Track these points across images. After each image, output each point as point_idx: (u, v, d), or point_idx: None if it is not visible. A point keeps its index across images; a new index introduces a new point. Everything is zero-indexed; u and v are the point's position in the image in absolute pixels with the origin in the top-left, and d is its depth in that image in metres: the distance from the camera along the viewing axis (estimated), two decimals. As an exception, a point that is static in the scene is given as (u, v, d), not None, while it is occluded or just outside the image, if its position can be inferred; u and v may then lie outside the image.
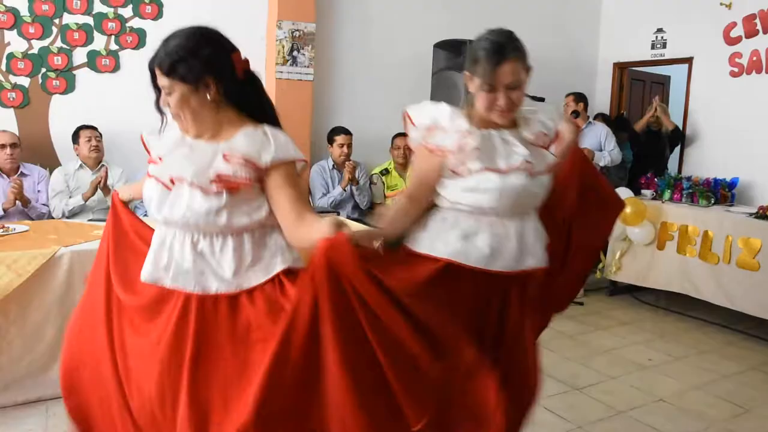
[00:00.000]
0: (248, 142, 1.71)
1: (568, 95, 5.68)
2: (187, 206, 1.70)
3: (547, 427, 3.01)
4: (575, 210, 2.20)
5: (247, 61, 1.80)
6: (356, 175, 4.97)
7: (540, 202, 1.99)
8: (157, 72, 1.73)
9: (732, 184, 5.17)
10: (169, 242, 1.77)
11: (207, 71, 1.70)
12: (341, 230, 1.60)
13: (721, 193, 5.11)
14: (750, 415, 3.32)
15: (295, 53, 5.04)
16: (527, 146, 1.93)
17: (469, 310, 1.91)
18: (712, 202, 5.01)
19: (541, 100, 5.84)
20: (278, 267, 1.76)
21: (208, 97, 1.72)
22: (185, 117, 1.75)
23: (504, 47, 1.87)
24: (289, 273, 1.77)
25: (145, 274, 1.80)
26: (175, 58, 1.70)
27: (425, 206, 1.96)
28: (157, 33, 4.70)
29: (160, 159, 1.82)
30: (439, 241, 1.89)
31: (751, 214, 4.54)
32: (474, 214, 1.89)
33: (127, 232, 2.04)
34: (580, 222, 2.22)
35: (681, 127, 5.91)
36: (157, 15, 4.77)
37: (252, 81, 1.83)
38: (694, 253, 4.67)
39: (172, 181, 1.74)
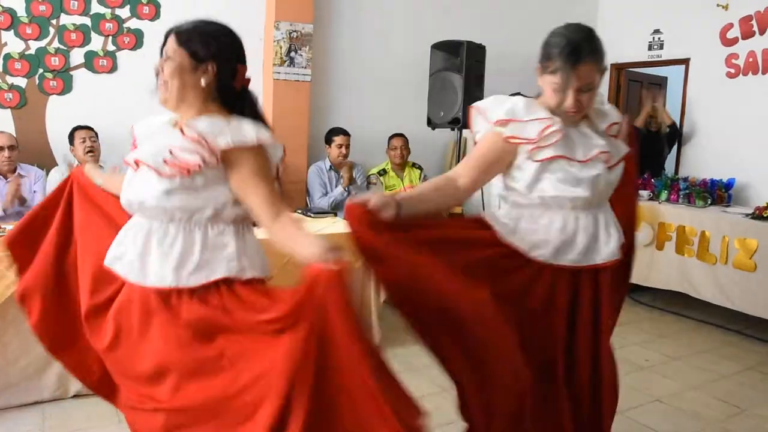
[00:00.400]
0: (209, 123, 1.68)
1: None
2: (142, 188, 1.69)
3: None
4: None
5: (248, 80, 1.82)
6: (353, 175, 4.97)
7: (612, 192, 1.96)
8: (171, 38, 1.76)
9: (728, 185, 5.19)
10: (130, 228, 1.78)
11: (214, 58, 1.73)
12: (333, 256, 1.51)
13: (717, 193, 5.12)
14: (746, 415, 3.33)
15: (292, 54, 5.04)
16: (603, 137, 1.92)
17: (533, 311, 1.88)
18: (709, 202, 5.02)
19: (539, 100, 5.87)
20: (219, 274, 1.68)
21: (203, 82, 1.73)
22: (171, 87, 1.74)
23: (580, 49, 1.81)
24: (229, 282, 1.69)
25: (107, 259, 1.82)
26: (195, 33, 1.74)
27: (462, 195, 1.93)
28: (154, 33, 4.73)
29: (136, 145, 1.86)
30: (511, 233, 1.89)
31: (747, 215, 4.55)
32: (549, 209, 1.87)
33: (93, 208, 2.06)
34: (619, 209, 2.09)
35: (679, 125, 5.92)
36: (155, 15, 4.77)
37: (246, 95, 1.82)
38: (692, 254, 4.68)
39: (136, 163, 1.74)
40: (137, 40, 4.72)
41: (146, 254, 1.70)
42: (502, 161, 1.89)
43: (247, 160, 1.67)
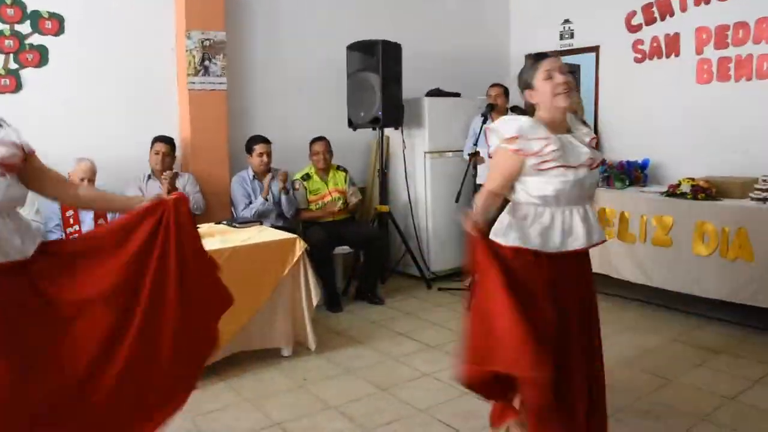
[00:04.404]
0: (9, 131, 2.11)
1: (492, 86, 5.74)
2: None
3: (483, 418, 3.05)
4: None
5: None
6: (285, 182, 4.92)
7: (590, 193, 2.39)
8: None
9: (644, 165, 5.38)
10: None
11: None
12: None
13: (634, 174, 5.30)
14: (673, 385, 3.46)
15: (206, 63, 4.93)
16: (587, 146, 2.35)
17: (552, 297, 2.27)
18: (627, 183, 5.20)
19: (457, 95, 5.96)
20: (38, 239, 2.14)
21: None
22: None
23: (548, 52, 2.39)
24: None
25: None
26: None
27: (502, 199, 2.41)
28: (60, 49, 4.55)
29: None
30: (522, 235, 2.29)
31: (662, 193, 4.73)
32: (549, 206, 2.29)
33: None
34: None
35: (593, 113, 6.12)
36: (59, 31, 4.57)
37: None
38: (612, 235, 4.82)
39: None
40: (41, 56, 4.53)
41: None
42: (515, 170, 2.31)
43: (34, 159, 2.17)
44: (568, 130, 2.39)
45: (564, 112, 2.36)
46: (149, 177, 4.63)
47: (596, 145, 2.45)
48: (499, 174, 2.36)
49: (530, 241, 2.28)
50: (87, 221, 4.20)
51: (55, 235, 4.15)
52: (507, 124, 2.35)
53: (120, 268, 2.17)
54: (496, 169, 2.39)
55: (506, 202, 2.40)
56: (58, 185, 2.28)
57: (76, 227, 4.20)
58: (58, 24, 4.58)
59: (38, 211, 4.18)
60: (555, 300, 2.26)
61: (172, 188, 4.48)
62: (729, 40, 5.09)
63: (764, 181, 4.28)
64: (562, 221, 2.30)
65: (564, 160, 2.26)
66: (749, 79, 4.99)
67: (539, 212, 2.30)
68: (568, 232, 2.30)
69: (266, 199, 4.85)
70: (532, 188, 2.30)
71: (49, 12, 4.53)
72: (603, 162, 2.47)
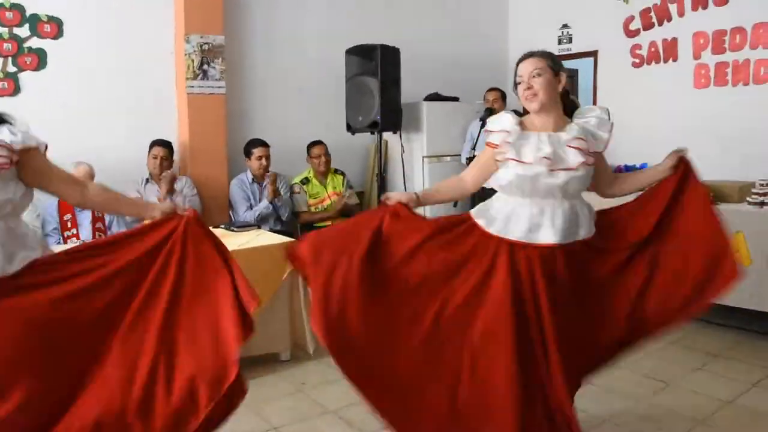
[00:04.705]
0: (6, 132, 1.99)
1: (489, 90, 5.76)
2: None
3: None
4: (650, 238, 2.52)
5: None
6: (278, 186, 4.91)
7: (567, 192, 2.34)
8: None
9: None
10: None
11: None
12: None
13: (632, 179, 5.30)
14: (671, 389, 3.46)
15: (205, 67, 4.94)
16: (557, 146, 2.34)
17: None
18: (625, 188, 5.19)
19: (455, 100, 5.96)
20: (33, 255, 2.01)
21: None
22: None
23: (527, 53, 2.45)
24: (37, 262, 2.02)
25: None
26: None
27: (468, 188, 2.55)
28: (58, 53, 4.55)
29: None
30: (488, 219, 2.40)
31: (660, 197, 4.72)
32: (513, 196, 2.38)
33: None
34: (662, 260, 2.53)
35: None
36: (57, 34, 4.58)
37: None
38: (610, 239, 4.82)
39: None
40: (40, 60, 4.53)
41: None
42: (488, 161, 2.45)
43: (36, 154, 2.06)
44: (561, 128, 2.42)
45: (543, 112, 2.40)
46: (147, 181, 4.63)
47: (586, 151, 2.37)
48: (475, 163, 2.56)
49: (493, 225, 2.38)
50: (85, 224, 4.19)
51: (53, 239, 4.15)
52: (497, 119, 2.49)
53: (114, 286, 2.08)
54: (476, 161, 2.59)
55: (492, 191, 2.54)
56: (62, 184, 2.16)
57: (74, 230, 4.20)
58: (56, 27, 4.58)
59: (39, 216, 4.18)
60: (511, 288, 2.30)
61: (170, 190, 4.49)
62: (726, 45, 5.12)
63: (761, 185, 4.29)
64: (530, 214, 2.34)
65: (515, 154, 2.36)
66: (746, 84, 5.01)
67: (506, 201, 2.40)
68: (535, 226, 2.33)
69: (271, 202, 4.85)
70: (496, 177, 2.44)
71: (48, 15, 4.54)
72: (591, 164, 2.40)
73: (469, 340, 2.30)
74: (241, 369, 2.18)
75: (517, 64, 2.44)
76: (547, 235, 2.32)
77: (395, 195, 2.49)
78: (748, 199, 4.33)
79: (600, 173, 2.49)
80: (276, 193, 4.88)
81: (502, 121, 2.45)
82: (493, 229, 2.37)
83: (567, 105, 2.50)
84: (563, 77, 2.43)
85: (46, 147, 2.13)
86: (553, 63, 2.41)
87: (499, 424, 2.24)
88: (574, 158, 2.34)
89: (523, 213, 2.35)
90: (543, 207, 2.34)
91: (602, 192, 2.60)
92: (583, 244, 2.39)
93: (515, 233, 2.34)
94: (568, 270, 2.35)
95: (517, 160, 2.35)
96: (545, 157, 2.32)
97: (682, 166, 2.55)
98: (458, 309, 2.31)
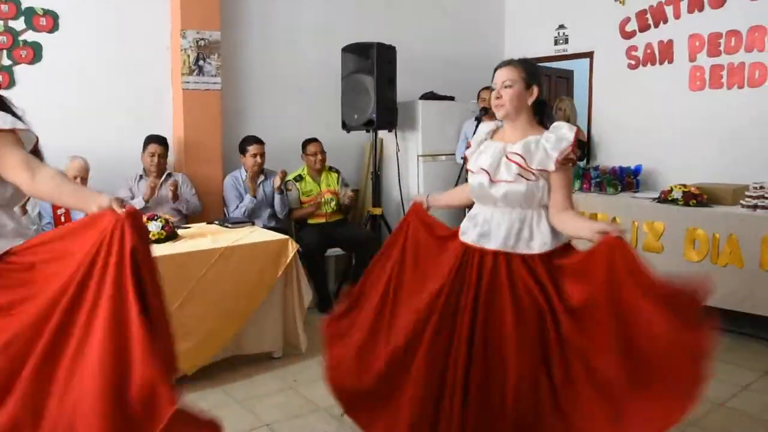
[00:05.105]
0: None
1: (484, 89, 5.76)
2: None
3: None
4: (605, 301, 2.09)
5: None
6: (280, 183, 4.89)
7: (512, 202, 2.37)
8: None
9: (636, 172, 5.40)
10: None
11: None
12: (122, 207, 1.84)
13: (626, 180, 5.32)
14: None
15: (201, 62, 4.93)
16: (499, 159, 2.41)
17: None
18: (619, 189, 5.21)
19: (451, 99, 5.97)
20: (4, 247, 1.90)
21: None
22: None
23: (505, 61, 2.50)
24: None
25: None
26: None
27: (466, 193, 2.64)
28: (54, 46, 4.53)
29: None
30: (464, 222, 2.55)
31: (654, 199, 4.75)
32: (477, 202, 2.53)
33: None
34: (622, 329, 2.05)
35: (587, 119, 6.14)
36: (53, 27, 4.56)
37: None
38: (604, 240, 4.83)
39: None
40: (35, 53, 4.51)
41: None
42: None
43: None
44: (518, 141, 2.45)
45: (510, 121, 2.46)
46: (141, 177, 4.61)
47: (526, 167, 2.34)
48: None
49: (462, 228, 2.53)
50: (79, 218, 4.16)
51: (47, 234, 4.13)
52: (483, 126, 2.68)
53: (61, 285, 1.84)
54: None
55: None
56: (10, 171, 1.92)
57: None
58: (52, 21, 4.56)
59: (38, 211, 4.18)
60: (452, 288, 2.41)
61: (175, 196, 4.50)
62: (721, 48, 5.13)
63: (755, 188, 4.30)
64: (483, 219, 2.45)
65: (471, 163, 2.55)
66: (741, 86, 5.03)
67: (475, 206, 2.55)
68: (485, 232, 2.42)
69: (255, 197, 4.84)
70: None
71: (43, 9, 4.52)
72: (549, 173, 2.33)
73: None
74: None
75: (495, 70, 2.48)
76: (491, 242, 2.39)
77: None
78: (741, 201, 4.35)
79: (551, 194, 2.36)
80: (279, 189, 4.88)
81: (478, 131, 2.63)
82: (461, 233, 2.52)
83: (546, 116, 2.51)
84: (535, 90, 2.42)
85: (37, 140, 2.08)
86: (527, 75, 2.43)
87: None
88: (510, 171, 2.37)
89: (479, 218, 2.46)
90: (493, 214, 2.42)
91: (550, 217, 2.37)
92: (538, 259, 2.30)
93: (471, 237, 2.46)
94: (509, 280, 2.30)
95: (469, 170, 2.56)
96: (482, 168, 2.45)
97: (609, 242, 2.08)
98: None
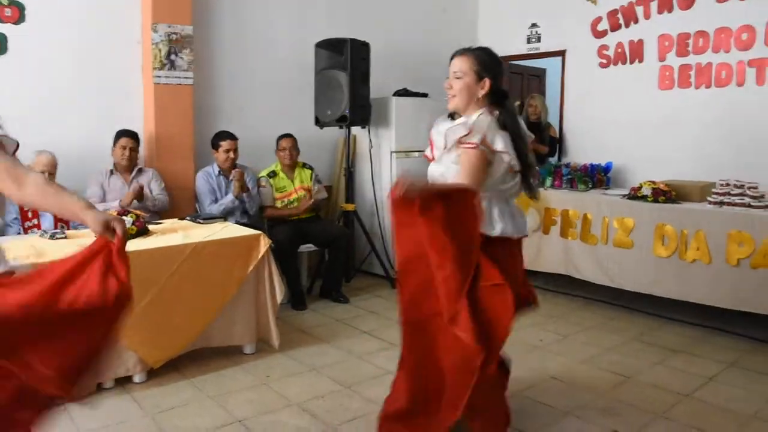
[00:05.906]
0: None
1: None
2: None
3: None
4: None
5: None
6: (245, 181, 4.86)
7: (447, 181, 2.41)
8: None
9: (606, 169, 5.47)
10: None
11: None
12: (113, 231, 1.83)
13: (597, 177, 5.39)
14: (631, 382, 3.52)
15: (172, 57, 4.87)
16: (436, 140, 2.55)
17: None
18: (590, 186, 5.28)
19: (424, 95, 5.98)
20: None
21: None
22: None
23: (460, 50, 2.54)
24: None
25: None
26: None
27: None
28: (19, 38, 4.43)
29: None
30: None
31: (624, 196, 4.81)
32: None
33: None
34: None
35: (559, 116, 6.20)
36: (19, 19, 4.46)
37: None
38: (575, 236, 4.90)
39: None
40: (0, 45, 4.42)
41: None
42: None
43: None
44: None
45: (462, 111, 2.53)
46: (111, 173, 4.54)
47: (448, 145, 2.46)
48: None
49: None
50: (48, 215, 4.10)
51: (13, 230, 4.06)
52: None
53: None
54: None
55: None
56: None
57: (35, 221, 4.11)
58: (18, 12, 4.46)
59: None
60: None
61: (139, 197, 4.43)
62: (690, 48, 5.22)
63: (721, 185, 4.38)
64: None
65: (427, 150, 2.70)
66: (708, 86, 5.12)
67: None
68: None
69: (237, 197, 4.80)
70: None
71: (8, -1, 4.43)
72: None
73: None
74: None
75: (451, 58, 2.52)
76: None
77: None
78: (708, 198, 4.43)
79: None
80: (243, 188, 4.83)
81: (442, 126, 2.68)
82: None
83: (505, 109, 2.48)
84: (487, 83, 2.43)
85: (17, 146, 1.99)
86: (479, 66, 2.45)
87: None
88: (438, 152, 2.54)
89: None
90: None
91: None
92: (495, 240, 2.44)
93: None
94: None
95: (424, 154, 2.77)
96: (423, 151, 2.62)
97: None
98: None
